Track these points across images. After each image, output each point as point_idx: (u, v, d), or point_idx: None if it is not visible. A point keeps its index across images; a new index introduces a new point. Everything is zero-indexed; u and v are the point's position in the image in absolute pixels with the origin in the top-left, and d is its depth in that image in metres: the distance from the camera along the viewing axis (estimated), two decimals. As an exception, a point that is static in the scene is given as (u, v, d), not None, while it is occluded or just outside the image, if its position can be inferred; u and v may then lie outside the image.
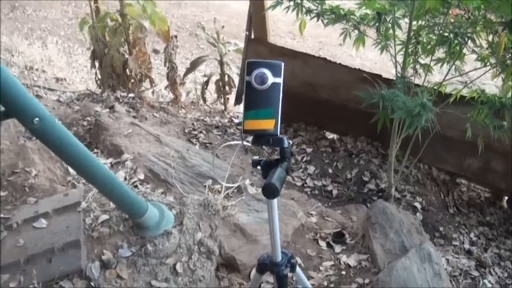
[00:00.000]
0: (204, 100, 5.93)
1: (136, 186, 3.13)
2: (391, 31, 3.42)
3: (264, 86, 1.49)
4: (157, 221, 2.50)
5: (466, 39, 3.12)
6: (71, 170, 3.18)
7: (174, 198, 2.89)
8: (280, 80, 1.51)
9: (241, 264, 2.62)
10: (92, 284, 2.25)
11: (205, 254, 2.51)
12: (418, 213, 3.87)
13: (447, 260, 3.26)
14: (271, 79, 1.49)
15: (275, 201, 1.60)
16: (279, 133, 1.51)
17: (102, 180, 2.20)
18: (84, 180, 3.02)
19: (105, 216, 2.55)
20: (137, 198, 2.42)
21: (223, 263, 2.64)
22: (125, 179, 3.18)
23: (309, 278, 2.71)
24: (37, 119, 1.76)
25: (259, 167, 1.59)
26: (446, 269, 2.99)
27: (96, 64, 5.28)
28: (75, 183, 3.10)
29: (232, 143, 4.25)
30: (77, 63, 8.05)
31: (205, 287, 2.42)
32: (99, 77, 5.34)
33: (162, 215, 2.53)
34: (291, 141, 1.62)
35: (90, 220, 2.54)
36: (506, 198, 4.61)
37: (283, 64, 1.51)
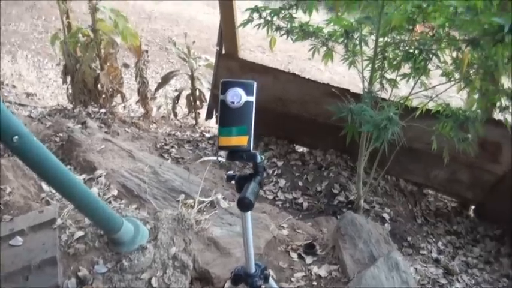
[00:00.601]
0: (175, 115, 5.97)
1: (110, 202, 3.15)
2: (358, 47, 3.54)
3: (237, 104, 1.56)
4: (132, 236, 2.53)
5: (431, 56, 3.24)
6: (44, 186, 3.19)
7: (148, 213, 2.92)
8: (252, 99, 1.58)
9: (215, 277, 2.66)
10: (69, 300, 2.27)
11: (180, 268, 2.54)
12: (386, 224, 3.96)
13: (416, 268, 3.35)
14: (244, 98, 1.56)
15: (249, 214, 1.66)
16: (252, 149, 1.58)
17: (78, 196, 2.22)
18: (58, 197, 3.03)
19: (80, 233, 2.57)
20: (112, 214, 2.44)
21: (198, 277, 2.67)
22: (99, 195, 3.20)
23: (282, 289, 2.77)
24: (16, 137, 1.78)
25: (233, 182, 1.66)
26: (415, 278, 3.08)
27: (68, 79, 5.27)
28: (49, 200, 3.10)
29: (207, 158, 4.30)
30: (47, 77, 7.98)
31: (180, 300, 2.46)
32: (71, 92, 5.34)
33: (137, 230, 2.56)
34: (263, 156, 1.69)
35: (66, 237, 2.56)
36: (473, 207, 4.75)
37: (255, 83, 1.59)
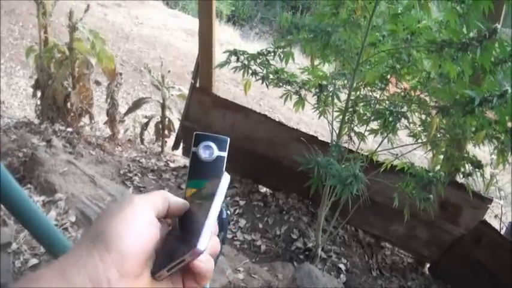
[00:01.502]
0: (142, 141, 5.93)
1: (66, 229, 3.08)
2: (330, 99, 3.61)
3: (209, 158, 1.56)
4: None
5: (400, 117, 3.33)
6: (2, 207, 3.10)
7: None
8: (224, 154, 1.57)
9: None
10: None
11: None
12: (342, 275, 3.98)
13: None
14: (216, 152, 1.56)
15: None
16: (218, 204, 1.58)
17: (35, 224, 2.17)
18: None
19: (34, 261, 2.51)
20: (67, 243, 2.39)
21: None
22: (56, 220, 3.13)
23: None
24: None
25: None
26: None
27: (38, 94, 5.20)
28: (6, 219, 3.02)
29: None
30: (17, 85, 7.84)
31: None
32: (40, 107, 5.25)
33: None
34: (229, 212, 1.69)
35: (20, 263, 2.49)
36: (428, 265, 4.82)
37: (228, 140, 1.60)
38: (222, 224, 1.62)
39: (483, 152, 3.76)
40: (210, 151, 1.60)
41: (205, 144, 1.61)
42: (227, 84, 10.46)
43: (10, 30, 9.98)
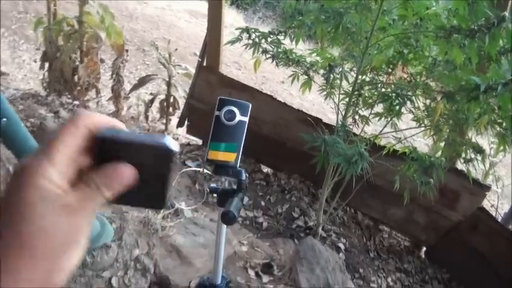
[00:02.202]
0: (147, 118, 5.97)
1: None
2: (337, 81, 3.67)
3: (231, 122, 1.64)
4: (97, 233, 2.54)
5: (406, 100, 3.40)
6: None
7: (116, 213, 2.94)
8: (246, 119, 1.66)
9: (173, 284, 2.70)
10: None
11: (141, 271, 2.58)
12: (341, 253, 4.06)
13: (365, 300, 3.47)
14: (238, 117, 1.64)
15: (225, 227, 1.73)
16: (238, 166, 1.65)
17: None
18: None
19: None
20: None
21: (157, 282, 2.70)
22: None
23: (238, 304, 2.84)
24: (5, 119, 1.80)
25: (215, 195, 1.73)
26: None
27: (46, 66, 5.24)
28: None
29: (191, 169, 4.33)
30: (21, 59, 7.85)
31: (137, 303, 2.49)
32: (47, 79, 5.30)
33: (103, 228, 2.58)
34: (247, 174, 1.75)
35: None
36: (425, 249, 4.92)
37: (250, 105, 1.67)
38: (241, 184, 1.70)
39: (482, 143, 3.83)
40: (232, 115, 1.68)
41: (228, 108, 1.69)
42: (229, 67, 10.48)
43: (14, 4, 9.94)
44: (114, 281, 2.45)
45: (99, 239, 2.54)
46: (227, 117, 1.64)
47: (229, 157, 1.65)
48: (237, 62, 10.57)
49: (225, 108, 1.67)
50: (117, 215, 2.84)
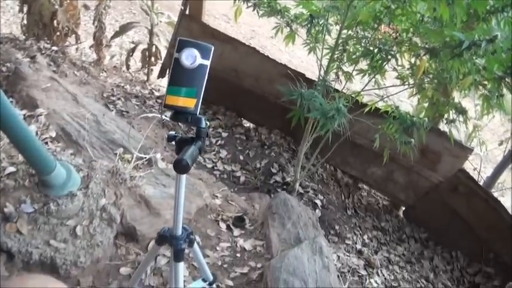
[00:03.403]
0: (128, 67, 5.83)
1: (46, 143, 3.05)
2: (321, 35, 3.56)
3: (191, 65, 1.54)
4: (63, 181, 2.46)
5: (389, 56, 3.30)
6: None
7: (83, 161, 2.86)
8: (207, 63, 1.56)
9: (140, 235, 2.66)
10: (-10, 235, 2.20)
11: (107, 220, 2.51)
12: (317, 210, 4.03)
13: (338, 256, 3.45)
14: (199, 60, 1.54)
15: (184, 177, 1.65)
16: (198, 113, 1.57)
17: (15, 131, 2.15)
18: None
19: (12, 168, 2.48)
20: (47, 155, 2.37)
21: (123, 232, 2.65)
22: (36, 134, 3.09)
23: (205, 256, 2.79)
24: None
25: (173, 142, 1.64)
26: (336, 265, 3.17)
27: (25, 9, 5.04)
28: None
29: (151, 115, 4.24)
30: (5, 3, 7.60)
31: (103, 252, 2.44)
32: (25, 23, 5.11)
33: (69, 176, 2.50)
34: (208, 123, 1.67)
35: (-4, 171, 2.47)
36: (403, 208, 4.93)
37: (213, 48, 1.57)
38: (200, 132, 1.62)
39: (468, 106, 3.77)
40: (192, 58, 1.57)
41: (189, 50, 1.58)
42: (218, 20, 10.25)
43: None
44: (78, 230, 2.38)
45: (64, 187, 2.47)
46: (187, 59, 1.54)
47: (188, 103, 1.56)
48: (225, 15, 10.35)
49: (185, 50, 1.56)
50: (85, 164, 2.76)
